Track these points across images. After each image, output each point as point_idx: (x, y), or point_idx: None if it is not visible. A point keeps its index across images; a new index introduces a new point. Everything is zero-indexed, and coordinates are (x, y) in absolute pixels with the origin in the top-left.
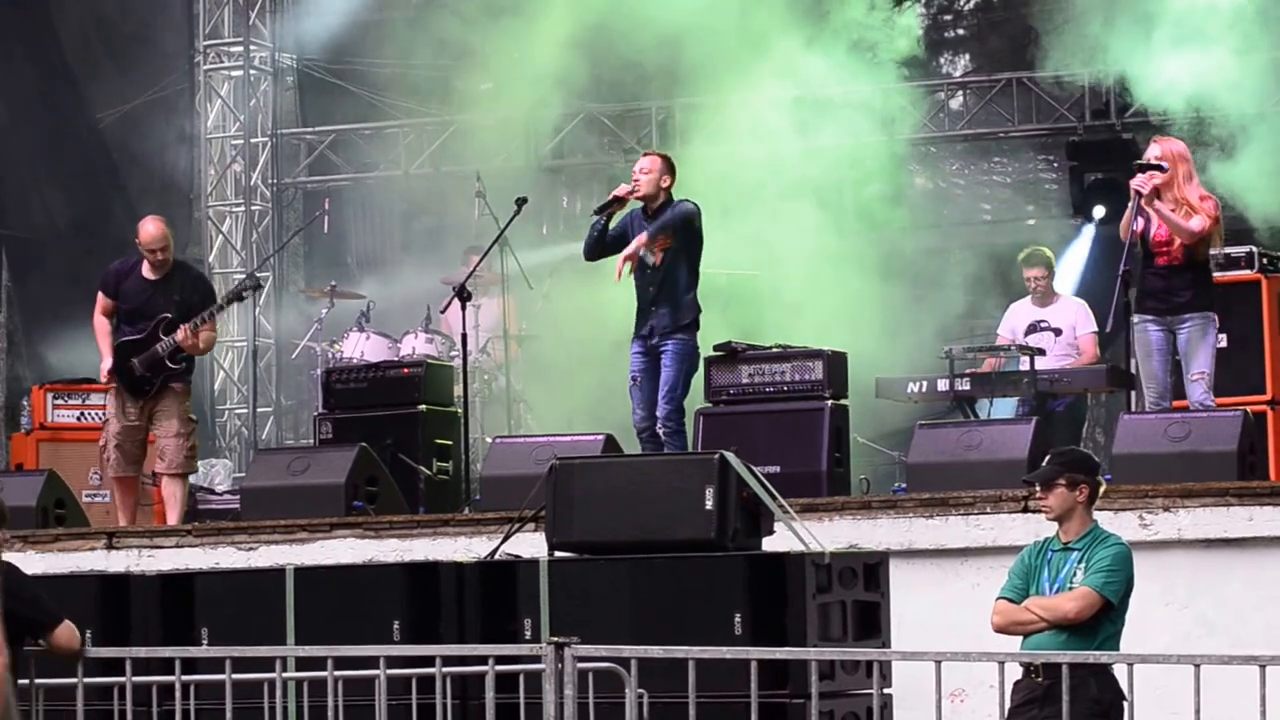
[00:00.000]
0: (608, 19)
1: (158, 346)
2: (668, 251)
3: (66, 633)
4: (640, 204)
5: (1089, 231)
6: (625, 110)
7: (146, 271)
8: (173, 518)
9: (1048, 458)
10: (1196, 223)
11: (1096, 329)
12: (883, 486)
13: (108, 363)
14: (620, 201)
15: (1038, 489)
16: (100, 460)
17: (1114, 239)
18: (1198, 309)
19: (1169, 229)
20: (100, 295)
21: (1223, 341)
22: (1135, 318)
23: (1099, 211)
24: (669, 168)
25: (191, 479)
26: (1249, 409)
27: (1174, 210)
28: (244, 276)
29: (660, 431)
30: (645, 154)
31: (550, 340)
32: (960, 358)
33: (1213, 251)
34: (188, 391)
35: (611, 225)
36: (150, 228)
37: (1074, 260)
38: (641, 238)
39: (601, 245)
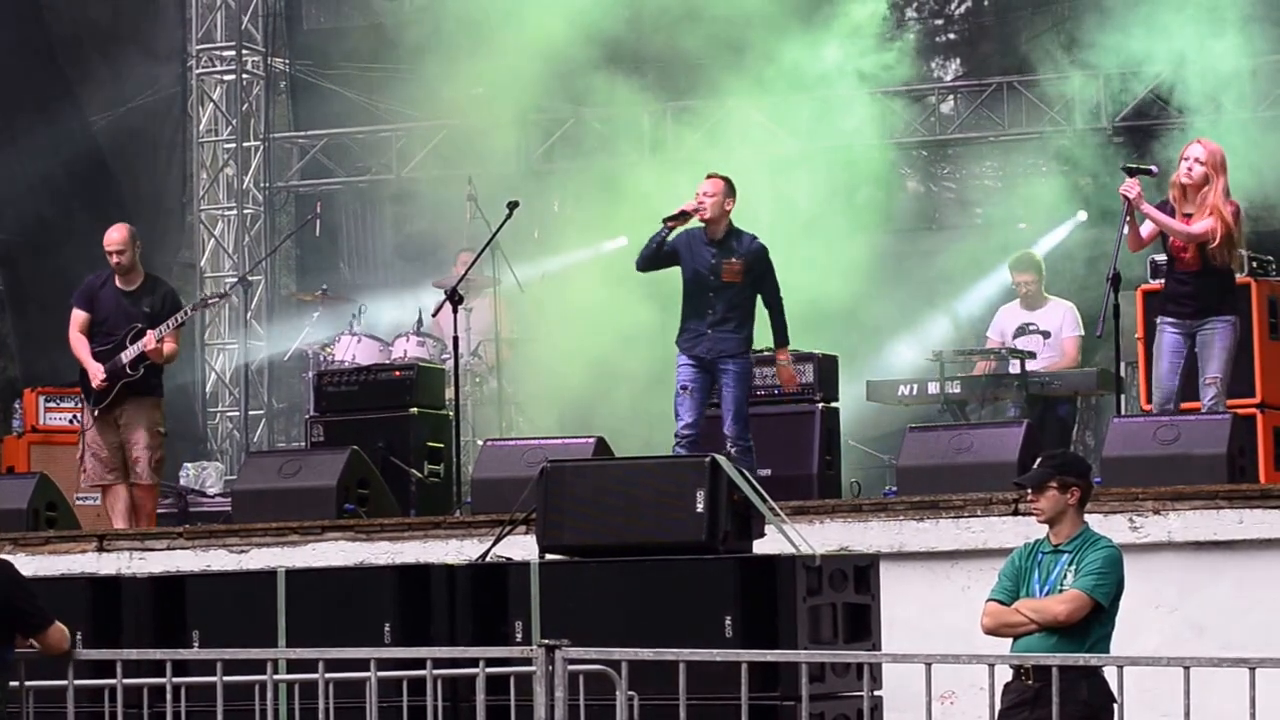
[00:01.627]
0: (599, 23)
1: (121, 355)
2: (743, 284)
3: (58, 633)
4: (701, 224)
5: (1061, 229)
6: (617, 114)
7: (119, 282)
8: (141, 526)
9: (1039, 460)
10: (1198, 226)
11: (1081, 333)
12: (874, 489)
13: (95, 366)
14: (686, 216)
15: (1029, 492)
16: (80, 471)
17: (1084, 241)
18: (1217, 313)
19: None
20: (76, 311)
21: None
22: (1157, 320)
23: (1081, 215)
24: (731, 190)
25: (183, 481)
26: (1238, 412)
27: (1195, 213)
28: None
29: (733, 449)
30: (709, 176)
31: (541, 343)
32: (951, 361)
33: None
34: (158, 405)
35: (670, 239)
36: (114, 233)
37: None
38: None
39: (658, 258)
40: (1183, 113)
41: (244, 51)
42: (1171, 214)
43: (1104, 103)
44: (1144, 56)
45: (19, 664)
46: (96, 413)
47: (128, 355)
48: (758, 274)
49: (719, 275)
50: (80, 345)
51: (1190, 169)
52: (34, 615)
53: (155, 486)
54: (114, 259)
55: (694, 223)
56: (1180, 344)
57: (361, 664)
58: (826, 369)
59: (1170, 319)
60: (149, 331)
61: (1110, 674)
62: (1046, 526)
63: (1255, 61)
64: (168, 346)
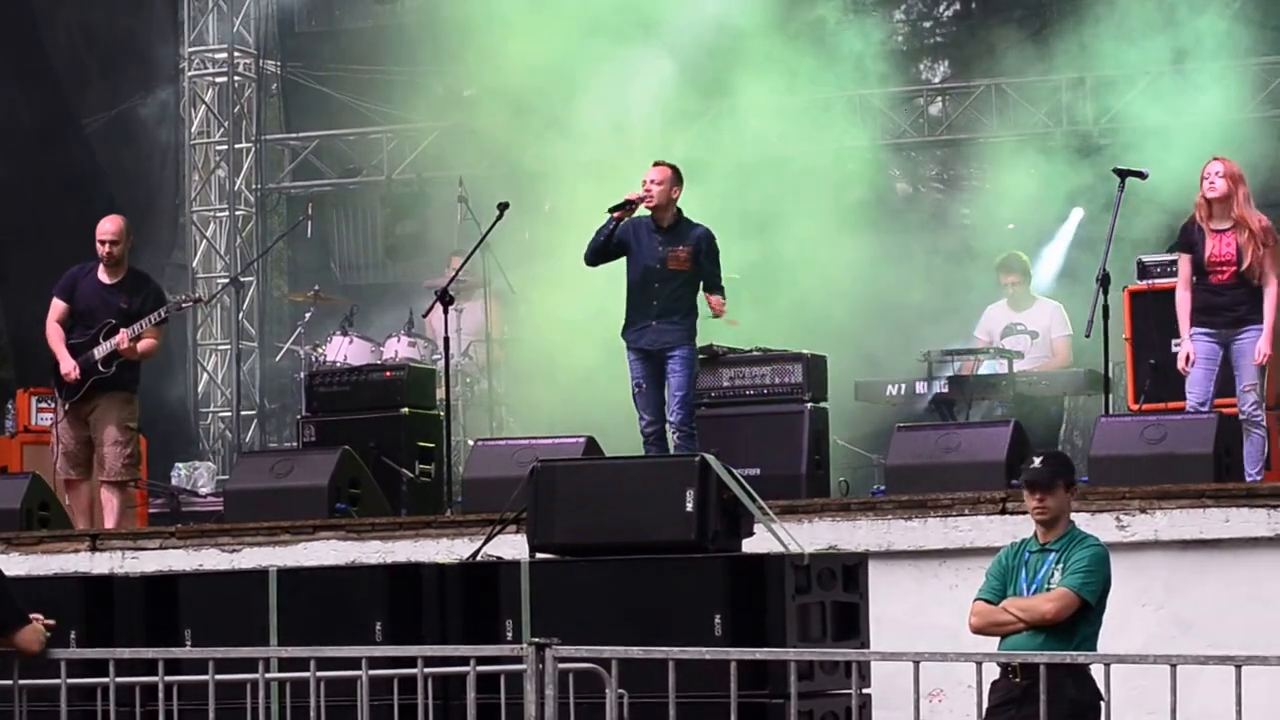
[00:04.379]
0: (590, 22)
1: (94, 350)
2: (688, 273)
3: (31, 633)
4: (649, 213)
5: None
6: (608, 115)
7: (102, 275)
8: (109, 524)
9: (1040, 460)
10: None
11: (1070, 332)
12: (862, 489)
13: (67, 363)
14: (632, 205)
15: (1027, 492)
16: (52, 466)
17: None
18: (1250, 323)
19: (1234, 253)
20: (55, 301)
21: None
22: (1191, 330)
23: (1077, 213)
24: (678, 179)
25: (175, 481)
26: (1224, 411)
27: (1232, 229)
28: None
29: (675, 436)
30: (655, 164)
31: (532, 343)
32: (939, 360)
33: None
34: (130, 401)
35: (617, 231)
36: (107, 223)
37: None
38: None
39: (606, 250)
40: (1172, 114)
41: (236, 54)
42: (1201, 235)
43: (1093, 104)
44: (1134, 57)
45: (13, 662)
46: (67, 406)
47: (100, 351)
48: (702, 258)
49: (665, 264)
50: (55, 336)
51: (1213, 183)
52: (5, 614)
53: (128, 484)
54: (105, 248)
55: (642, 212)
56: (1215, 351)
57: (353, 662)
58: (815, 369)
59: (1204, 329)
60: (122, 330)
61: (1097, 671)
62: (1034, 525)
63: (1244, 63)
64: (145, 343)
